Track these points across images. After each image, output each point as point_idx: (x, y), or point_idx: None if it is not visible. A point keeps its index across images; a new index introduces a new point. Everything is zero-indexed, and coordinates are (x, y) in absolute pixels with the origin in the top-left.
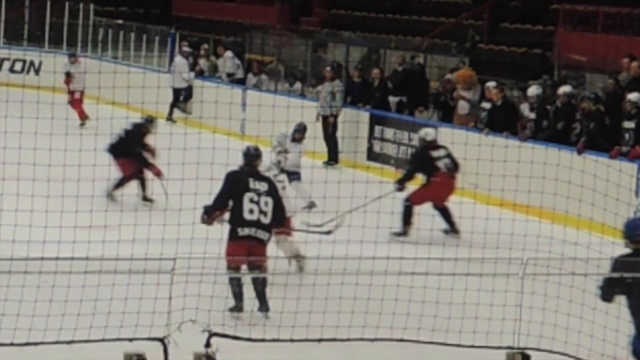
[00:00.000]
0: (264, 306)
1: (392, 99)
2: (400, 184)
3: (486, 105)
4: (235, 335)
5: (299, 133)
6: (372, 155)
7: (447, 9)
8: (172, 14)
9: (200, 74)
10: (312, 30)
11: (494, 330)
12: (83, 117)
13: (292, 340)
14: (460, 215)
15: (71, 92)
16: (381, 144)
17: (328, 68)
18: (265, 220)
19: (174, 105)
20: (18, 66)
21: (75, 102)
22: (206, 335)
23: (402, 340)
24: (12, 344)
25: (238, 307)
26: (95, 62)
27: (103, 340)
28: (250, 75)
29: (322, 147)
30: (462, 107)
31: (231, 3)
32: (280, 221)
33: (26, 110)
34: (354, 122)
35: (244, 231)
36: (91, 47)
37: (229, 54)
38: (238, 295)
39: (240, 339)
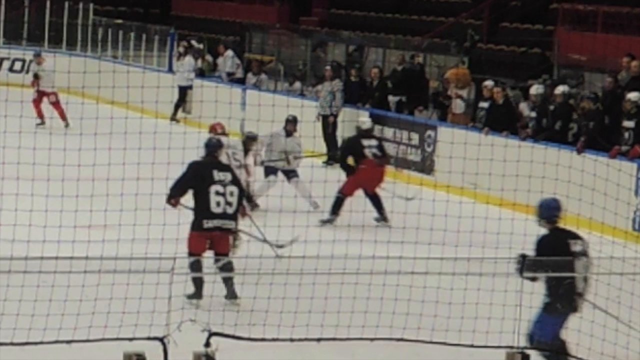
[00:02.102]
0: (230, 293)
1: (392, 99)
2: (346, 171)
3: (484, 104)
4: (235, 335)
5: (291, 125)
6: None
7: (446, 9)
8: (171, 13)
9: (201, 74)
10: (311, 30)
11: (493, 329)
12: (64, 117)
13: (291, 340)
14: (460, 214)
15: (43, 93)
16: None
17: (328, 67)
18: (231, 210)
19: (179, 105)
20: (17, 66)
21: (55, 105)
22: (206, 334)
23: (401, 339)
24: (11, 344)
25: (197, 295)
26: (95, 62)
27: (103, 339)
28: (249, 75)
29: (322, 147)
30: (458, 106)
31: (231, 2)
32: (242, 202)
33: (25, 109)
34: (353, 121)
35: (209, 223)
36: (90, 47)
37: (229, 53)
38: (198, 283)
39: (239, 338)
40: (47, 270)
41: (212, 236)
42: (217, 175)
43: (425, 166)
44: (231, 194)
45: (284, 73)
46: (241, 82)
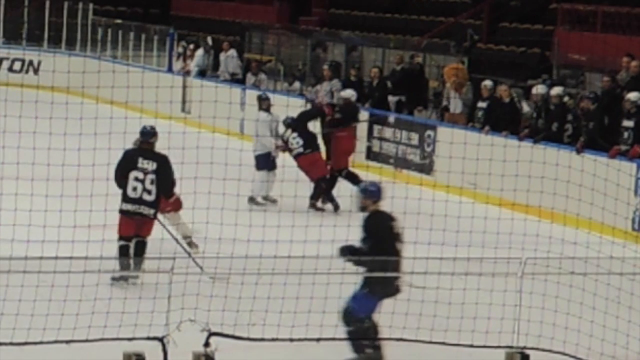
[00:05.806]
0: (137, 269)
1: (391, 99)
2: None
3: (482, 104)
4: (234, 335)
5: (266, 102)
6: (371, 155)
7: (446, 9)
8: (171, 13)
9: (201, 74)
10: (311, 30)
11: (493, 329)
12: None
13: (291, 340)
14: (459, 214)
15: None
16: (380, 144)
17: (326, 67)
18: (149, 197)
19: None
20: (17, 66)
21: None
22: (205, 334)
23: (401, 339)
24: (11, 344)
25: (124, 278)
26: (94, 62)
27: (102, 339)
28: (249, 75)
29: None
30: (456, 105)
31: (230, 2)
32: (167, 194)
33: (25, 109)
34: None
35: (126, 206)
36: (90, 47)
37: (232, 52)
38: (125, 266)
39: (239, 338)
40: (46, 270)
41: (136, 220)
42: (142, 162)
43: (425, 166)
44: (151, 182)
45: (283, 73)
46: (241, 82)
